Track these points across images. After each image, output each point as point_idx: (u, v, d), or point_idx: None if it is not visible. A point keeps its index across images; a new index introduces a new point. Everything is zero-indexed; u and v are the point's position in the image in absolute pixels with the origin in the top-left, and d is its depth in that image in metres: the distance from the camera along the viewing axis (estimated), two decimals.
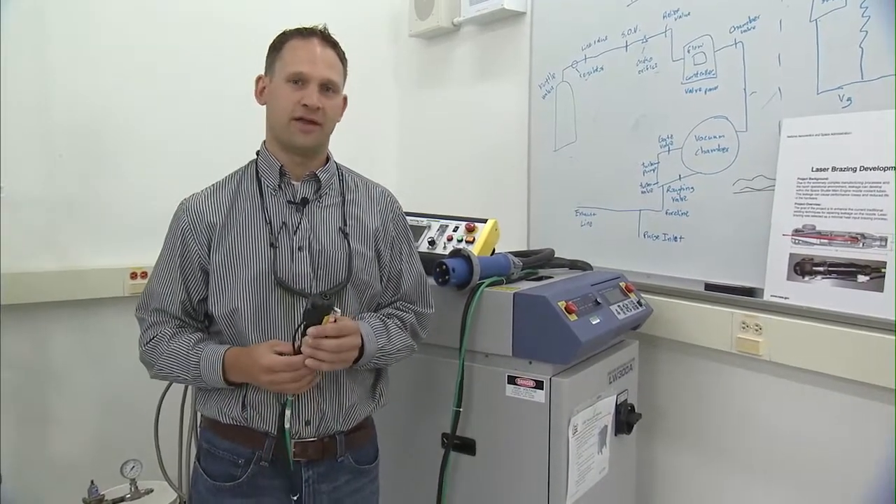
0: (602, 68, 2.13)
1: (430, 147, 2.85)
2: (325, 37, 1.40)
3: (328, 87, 1.38)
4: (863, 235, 1.48)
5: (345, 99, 1.46)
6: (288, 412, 1.31)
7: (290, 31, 1.41)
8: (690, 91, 1.86)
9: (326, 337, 1.26)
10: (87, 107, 2.21)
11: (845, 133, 1.53)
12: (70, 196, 2.20)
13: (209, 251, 1.37)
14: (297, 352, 1.27)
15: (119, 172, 2.28)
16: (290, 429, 1.32)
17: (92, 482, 2.01)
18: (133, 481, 2.00)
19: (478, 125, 2.63)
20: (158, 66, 2.32)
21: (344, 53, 1.44)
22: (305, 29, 1.40)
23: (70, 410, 2.23)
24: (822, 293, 1.55)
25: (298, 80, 1.35)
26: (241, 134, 2.36)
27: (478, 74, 2.65)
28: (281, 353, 1.27)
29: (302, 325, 1.27)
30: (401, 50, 2.91)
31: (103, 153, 2.26)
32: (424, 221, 1.89)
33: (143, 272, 2.29)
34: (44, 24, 2.13)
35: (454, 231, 1.83)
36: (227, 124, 2.44)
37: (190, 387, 1.98)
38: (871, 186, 1.48)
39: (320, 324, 1.25)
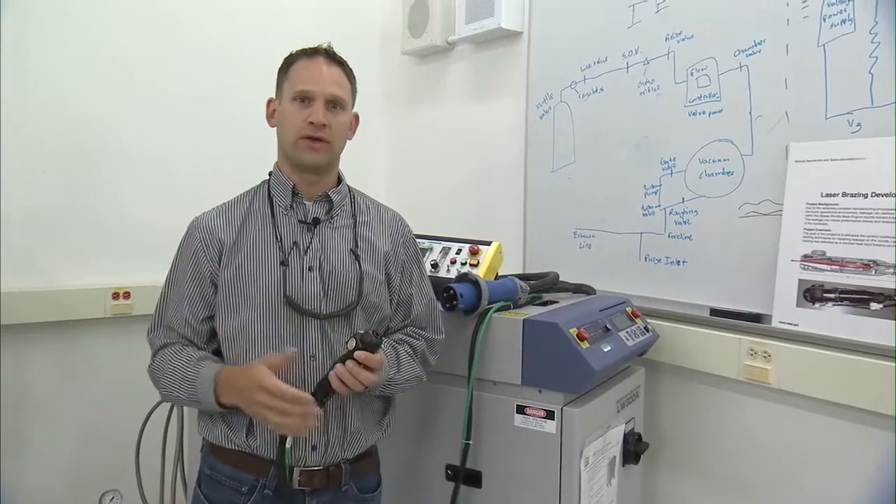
0: (602, 89, 2.11)
1: (422, 167, 2.81)
2: (330, 55, 1.39)
3: (335, 104, 1.37)
4: (875, 262, 1.46)
5: (356, 116, 1.45)
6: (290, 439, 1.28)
7: (296, 52, 1.40)
8: (694, 114, 1.84)
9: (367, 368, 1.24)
10: (69, 120, 2.14)
11: (856, 159, 1.51)
12: (49, 213, 2.11)
13: (220, 267, 1.35)
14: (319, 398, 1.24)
15: (103, 189, 2.20)
16: (290, 448, 1.27)
17: None
18: None
19: (472, 145, 2.59)
20: (147, 81, 2.26)
21: (352, 71, 1.42)
22: (311, 48, 1.39)
23: (47, 438, 2.13)
24: (834, 320, 1.52)
25: (304, 99, 1.35)
26: (230, 151, 2.35)
27: (472, 94, 2.62)
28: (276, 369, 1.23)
29: (339, 362, 1.24)
30: (392, 68, 2.88)
31: (86, 169, 2.18)
32: (426, 243, 1.84)
33: (125, 292, 2.22)
34: (26, 35, 2.05)
35: (457, 254, 1.78)
36: (217, 143, 2.39)
37: (187, 410, 1.92)
38: (883, 213, 1.46)
39: None
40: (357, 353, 1.21)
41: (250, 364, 1.26)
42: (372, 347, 1.22)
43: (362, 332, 1.23)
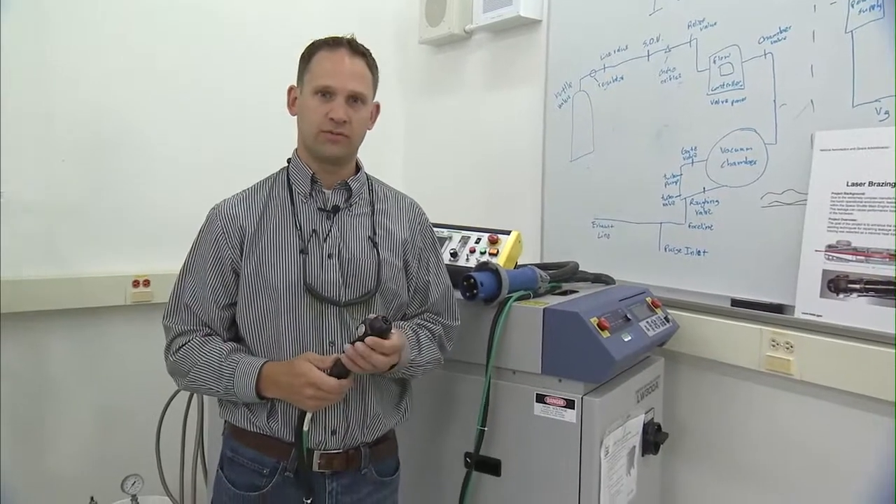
0: (622, 78, 2.09)
1: (440, 156, 2.80)
2: (353, 47, 1.37)
3: (355, 99, 1.36)
4: None
5: (377, 106, 1.45)
6: (308, 414, 1.29)
7: (318, 41, 1.39)
8: (716, 102, 1.82)
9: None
10: (90, 110, 2.15)
11: (884, 147, 1.49)
12: (71, 201, 2.13)
13: (241, 255, 1.35)
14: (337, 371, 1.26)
15: (122, 178, 2.22)
16: (307, 431, 1.30)
17: (92, 498, 1.95)
18: (134, 497, 1.94)
19: (490, 134, 2.58)
20: (164, 70, 2.27)
21: (374, 61, 1.41)
22: (334, 39, 1.37)
23: (69, 423, 2.15)
24: (858, 311, 1.51)
25: (325, 93, 1.34)
26: (251, 141, 2.35)
27: (490, 83, 2.60)
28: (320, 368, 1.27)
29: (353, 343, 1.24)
30: (409, 57, 2.87)
31: (106, 158, 2.20)
32: (445, 232, 1.83)
33: (145, 280, 2.23)
34: (46, 26, 2.06)
35: (476, 243, 1.77)
36: (237, 131, 2.40)
37: (204, 397, 1.94)
38: None
39: None
40: (368, 339, 1.21)
41: (292, 362, 1.29)
42: (381, 333, 1.22)
43: (373, 317, 1.23)
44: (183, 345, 1.35)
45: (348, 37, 1.38)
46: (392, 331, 1.25)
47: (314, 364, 1.26)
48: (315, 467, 1.34)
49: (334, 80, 1.33)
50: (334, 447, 1.35)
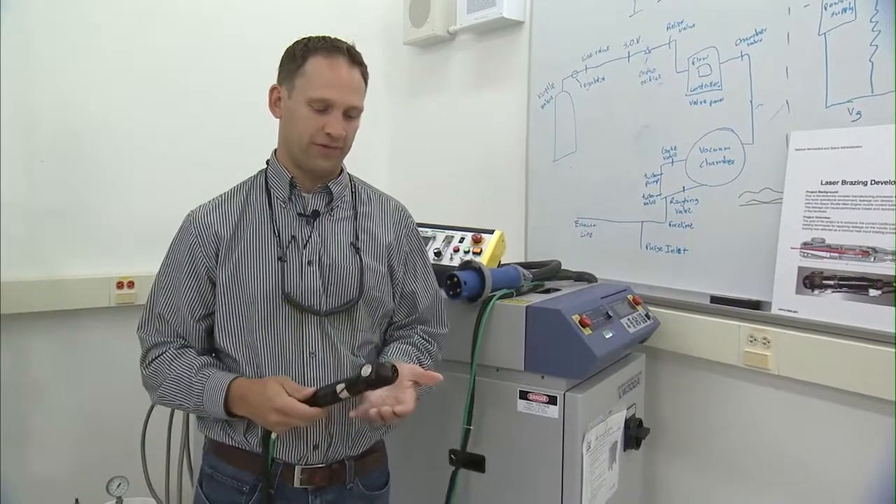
0: (603, 79, 2.12)
1: (424, 157, 2.81)
2: (352, 56, 1.29)
3: (351, 112, 1.30)
4: (874, 249, 1.48)
5: None
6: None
7: (313, 43, 1.29)
8: (695, 103, 1.85)
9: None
10: (71, 111, 2.15)
11: (856, 147, 1.53)
12: (54, 203, 2.13)
13: (217, 263, 1.31)
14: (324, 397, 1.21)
15: (105, 179, 2.21)
16: (275, 440, 1.26)
17: (77, 500, 1.94)
18: (119, 499, 1.93)
19: (473, 135, 2.60)
20: (148, 71, 2.27)
21: (367, 69, 1.34)
22: (332, 44, 1.28)
23: (53, 425, 2.15)
24: (833, 307, 1.54)
25: (322, 106, 1.27)
26: (232, 141, 2.36)
27: (474, 83, 2.62)
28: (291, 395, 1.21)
29: (346, 382, 1.19)
30: (394, 58, 2.88)
31: (89, 158, 2.19)
32: (429, 232, 1.85)
33: (129, 282, 2.23)
34: (29, 25, 2.06)
35: (460, 242, 1.79)
36: (218, 131, 2.40)
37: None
38: (882, 200, 1.47)
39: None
40: (387, 394, 1.21)
41: (264, 382, 1.23)
42: (384, 381, 1.16)
43: (382, 362, 1.18)
44: (156, 357, 1.31)
45: (348, 43, 1.30)
46: (400, 370, 1.20)
47: (287, 390, 1.20)
48: (296, 483, 1.29)
49: (333, 94, 1.25)
50: (317, 462, 1.30)
